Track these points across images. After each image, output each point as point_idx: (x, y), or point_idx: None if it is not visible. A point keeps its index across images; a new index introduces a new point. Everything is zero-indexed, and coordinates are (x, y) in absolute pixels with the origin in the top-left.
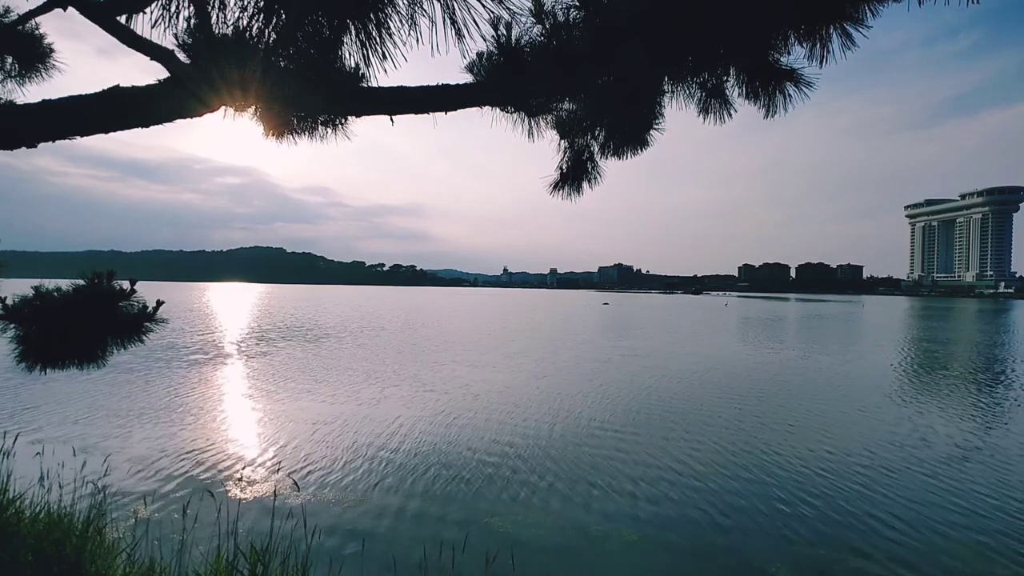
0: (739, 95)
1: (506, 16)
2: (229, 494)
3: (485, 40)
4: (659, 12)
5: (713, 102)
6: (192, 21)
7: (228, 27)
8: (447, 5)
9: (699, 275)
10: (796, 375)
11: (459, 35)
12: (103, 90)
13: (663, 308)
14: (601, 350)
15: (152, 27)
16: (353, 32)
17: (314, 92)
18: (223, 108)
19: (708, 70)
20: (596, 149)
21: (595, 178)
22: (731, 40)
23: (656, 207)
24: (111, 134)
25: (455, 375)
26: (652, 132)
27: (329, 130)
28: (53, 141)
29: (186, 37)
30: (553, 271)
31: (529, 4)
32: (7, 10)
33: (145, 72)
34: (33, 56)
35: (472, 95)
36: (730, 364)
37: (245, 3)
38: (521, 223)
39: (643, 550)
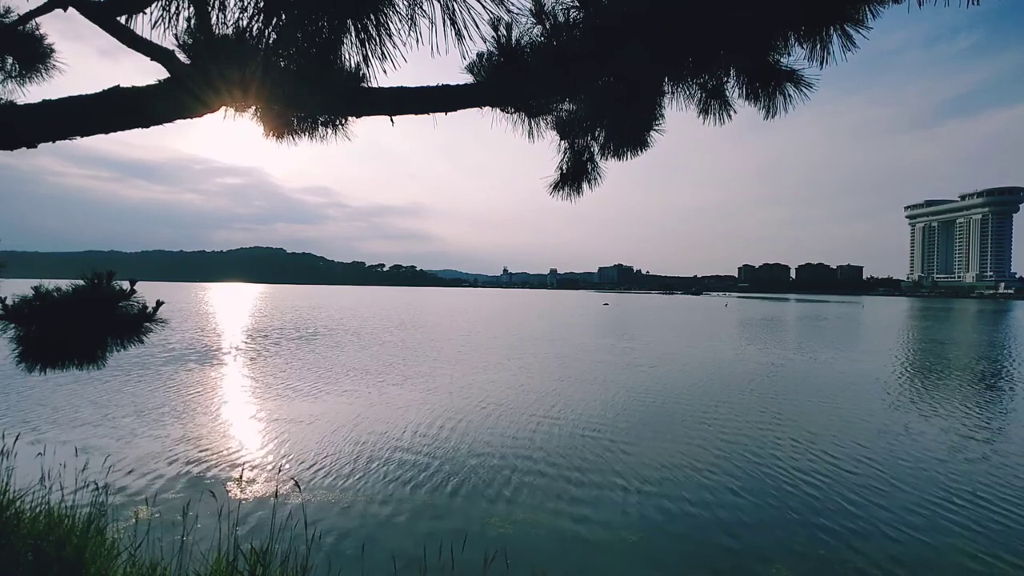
0: (739, 96)
1: (506, 17)
2: (230, 494)
3: (485, 40)
4: (659, 13)
5: (713, 103)
6: (192, 21)
7: (228, 27)
8: (447, 6)
9: (699, 276)
10: (797, 375)
11: (459, 36)
12: (103, 90)
13: (664, 309)
14: (603, 350)
15: (152, 27)
16: (353, 32)
17: (314, 92)
18: (223, 108)
19: (708, 71)
20: (596, 150)
21: (595, 179)
22: (731, 41)
23: (656, 207)
24: (111, 134)
25: (453, 375)
26: (652, 133)
27: (329, 130)
28: (53, 141)
29: (186, 37)
30: (553, 271)
31: (529, 4)
32: (7, 10)
33: (145, 72)
34: (34, 56)
35: (472, 95)
36: (732, 364)
37: (245, 3)
38: (521, 223)
39: (643, 551)
